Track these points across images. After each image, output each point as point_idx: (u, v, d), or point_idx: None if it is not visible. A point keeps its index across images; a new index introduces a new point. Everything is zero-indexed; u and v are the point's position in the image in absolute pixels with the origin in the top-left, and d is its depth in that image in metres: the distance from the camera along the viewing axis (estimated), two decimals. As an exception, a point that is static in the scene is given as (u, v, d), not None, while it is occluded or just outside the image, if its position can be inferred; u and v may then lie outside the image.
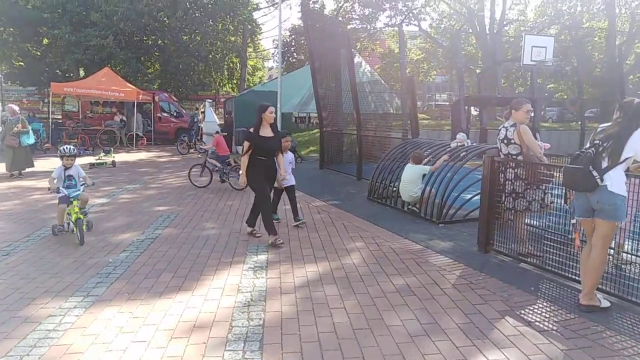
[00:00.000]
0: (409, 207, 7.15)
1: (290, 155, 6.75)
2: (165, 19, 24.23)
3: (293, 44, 38.13)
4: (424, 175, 7.01)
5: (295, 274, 4.58)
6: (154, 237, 5.84)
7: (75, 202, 5.66)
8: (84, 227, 5.63)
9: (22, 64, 24.43)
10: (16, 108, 11.44)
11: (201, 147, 11.81)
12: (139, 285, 4.24)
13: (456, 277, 4.44)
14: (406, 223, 6.64)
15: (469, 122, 18.00)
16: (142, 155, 16.04)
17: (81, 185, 6.03)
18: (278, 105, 16.43)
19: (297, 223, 6.40)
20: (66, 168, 6.06)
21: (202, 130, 17.77)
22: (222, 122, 18.87)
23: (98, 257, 5.04)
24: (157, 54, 26.09)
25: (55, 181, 5.94)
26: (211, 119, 17.97)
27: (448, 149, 7.31)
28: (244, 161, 5.66)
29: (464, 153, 7.06)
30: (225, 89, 32.05)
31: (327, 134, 12.94)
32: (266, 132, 5.71)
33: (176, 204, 7.96)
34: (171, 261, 4.94)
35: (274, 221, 5.87)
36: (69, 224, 5.78)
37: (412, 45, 44.30)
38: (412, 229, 6.28)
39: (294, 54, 38.43)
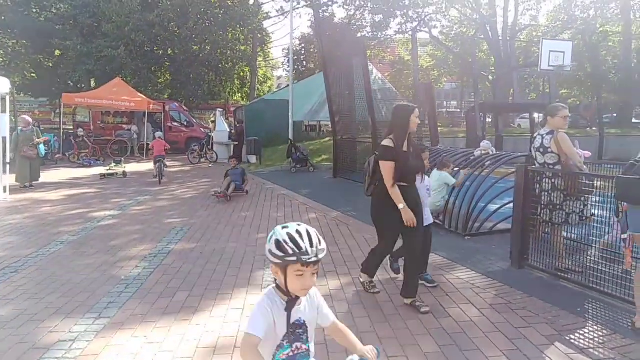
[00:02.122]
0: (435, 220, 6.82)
1: (427, 180, 4.52)
2: (176, 29, 24.25)
3: (303, 52, 38.12)
4: (447, 185, 6.69)
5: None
6: (167, 252, 5.59)
7: None
8: None
9: (34, 75, 24.58)
10: (29, 119, 11.36)
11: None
12: (153, 306, 3.98)
13: (493, 296, 4.12)
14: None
15: (484, 130, 17.65)
16: (152, 166, 15.86)
17: None
18: (289, 114, 16.27)
19: (430, 285, 4.38)
20: None
21: (212, 139, 17.61)
22: (233, 131, 18.75)
23: (109, 273, 4.79)
24: (167, 63, 26.11)
25: None
26: (222, 128, 17.83)
27: (472, 157, 7.00)
28: (397, 194, 3.80)
29: (489, 162, 6.75)
30: (235, 98, 32.02)
31: (340, 142, 12.68)
32: (405, 145, 3.92)
33: (188, 215, 7.73)
34: (186, 278, 4.68)
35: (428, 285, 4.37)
36: None
37: (422, 53, 44.05)
38: (437, 242, 5.93)
39: (304, 62, 38.40)
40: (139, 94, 18.77)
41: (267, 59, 39.90)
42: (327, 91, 12.81)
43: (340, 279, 4.64)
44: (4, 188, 9.13)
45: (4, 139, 9.32)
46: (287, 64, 39.18)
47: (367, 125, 11.51)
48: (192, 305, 4.01)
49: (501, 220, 6.36)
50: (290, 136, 15.32)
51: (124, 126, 20.10)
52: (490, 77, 29.54)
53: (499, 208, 6.43)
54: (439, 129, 26.56)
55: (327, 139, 20.77)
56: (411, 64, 36.71)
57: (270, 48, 38.97)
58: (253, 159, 16.11)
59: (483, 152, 6.99)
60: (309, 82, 23.36)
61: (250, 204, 8.78)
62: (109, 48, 21.37)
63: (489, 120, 23.31)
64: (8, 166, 9.52)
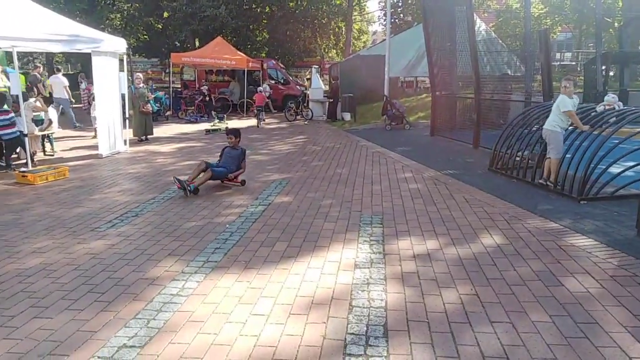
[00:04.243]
0: (542, 180, 6.29)
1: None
2: (273, -15, 24.41)
3: (400, 4, 36.37)
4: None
5: (415, 251, 4.19)
6: (267, 204, 5.80)
7: None
8: None
9: (146, 37, 26.43)
10: (142, 76, 12.32)
11: None
12: (255, 254, 4.17)
13: (614, 267, 3.71)
14: (539, 198, 5.85)
15: (606, 84, 15.67)
16: (252, 122, 16.49)
17: None
18: (385, 69, 15.76)
19: None
20: None
21: (308, 96, 17.75)
22: (328, 89, 18.69)
23: (215, 221, 5.11)
24: (265, 21, 26.52)
25: None
26: (317, 85, 17.85)
27: (593, 113, 6.24)
28: None
29: (613, 119, 5.98)
30: (330, 54, 31.80)
31: (439, 98, 12.07)
32: None
33: (286, 171, 7.93)
34: (285, 230, 4.83)
35: None
36: None
37: (533, -1, 39.82)
38: (548, 206, 5.50)
39: (401, 14, 36.69)
40: (239, 53, 19.35)
41: (363, 12, 38.77)
42: (427, 45, 12.13)
43: (439, 239, 4.48)
44: (125, 141, 10.08)
45: (123, 95, 10.19)
46: (384, 18, 37.92)
47: (468, 80, 10.77)
48: (291, 255, 4.14)
49: (626, 185, 5.68)
50: (386, 92, 14.91)
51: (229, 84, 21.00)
52: (616, 24, 25.89)
53: (622, 171, 5.74)
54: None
55: (424, 95, 19.91)
56: (519, 11, 33.33)
57: (365, 1, 37.79)
58: (347, 116, 16.02)
59: (607, 107, 6.18)
60: (406, 35, 22.29)
61: (345, 160, 8.77)
62: (211, 8, 22.16)
63: (611, 74, 20.65)
64: (127, 121, 10.46)
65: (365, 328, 2.90)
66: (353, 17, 31.33)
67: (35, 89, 13.28)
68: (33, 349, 2.70)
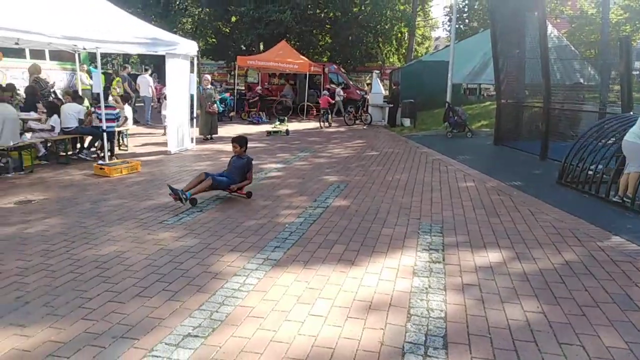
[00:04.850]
0: (618, 197, 5.89)
1: None
2: (338, -10, 24.64)
3: (466, 10, 35.48)
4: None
5: (477, 263, 4.06)
6: (326, 206, 5.85)
7: None
8: None
9: (214, 40, 27.50)
10: (210, 77, 12.85)
11: None
12: (313, 255, 4.22)
13: (700, 295, 3.42)
14: (614, 216, 5.49)
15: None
16: (311, 125, 16.70)
17: None
18: (449, 75, 15.42)
19: None
20: None
21: (367, 101, 17.71)
22: (388, 94, 18.55)
23: (275, 221, 5.22)
24: (328, 26, 26.79)
25: None
26: (377, 90, 17.78)
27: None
28: None
29: None
30: (391, 60, 31.58)
31: (504, 106, 11.63)
32: None
33: (345, 174, 7.96)
34: (343, 233, 4.85)
35: None
36: None
37: (612, 4, 37.41)
38: (625, 225, 5.15)
39: (466, 20, 35.78)
40: (302, 57, 19.67)
41: (427, 18, 38.18)
42: (493, 50, 11.75)
43: (503, 252, 4.32)
44: (192, 139, 10.54)
45: (192, 95, 10.67)
46: (448, 23, 37.14)
47: (537, 88, 10.30)
48: (349, 258, 4.15)
49: None
50: (448, 99, 14.58)
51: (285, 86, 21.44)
52: None
53: None
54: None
55: (488, 103, 19.28)
56: (594, 17, 31.41)
57: (430, 7, 37.17)
58: (407, 122, 15.82)
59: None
60: (471, 41, 21.74)
61: (404, 167, 8.66)
62: (277, 12, 22.71)
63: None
64: (195, 120, 10.94)
65: (424, 338, 2.86)
66: (416, 23, 30.94)
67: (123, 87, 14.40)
68: (107, 331, 2.89)
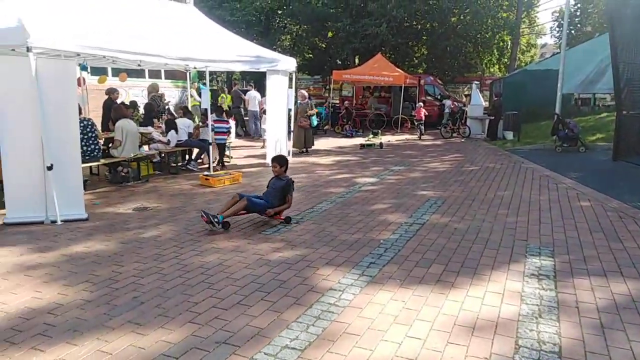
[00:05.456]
0: None
1: None
2: (435, 1, 24.15)
3: (578, 14, 32.80)
4: None
5: (596, 294, 3.64)
6: (422, 223, 5.67)
7: None
8: None
9: (311, 56, 28.39)
10: (306, 94, 13.20)
11: None
12: (410, 273, 4.09)
13: None
14: None
15: None
16: (406, 137, 16.44)
17: None
18: (558, 85, 14.28)
19: None
20: None
21: (466, 113, 17.03)
22: (489, 106, 17.66)
23: (369, 236, 5.16)
24: (425, 37, 26.35)
25: None
26: (477, 101, 17.03)
27: None
28: None
29: None
30: (492, 70, 30.14)
31: (626, 118, 10.45)
32: None
33: (442, 189, 7.67)
34: (441, 252, 4.65)
35: None
36: None
37: None
38: None
39: (578, 25, 33.04)
40: (397, 69, 19.52)
41: (532, 25, 35.89)
42: (613, 57, 10.65)
43: (628, 283, 3.83)
44: (288, 152, 10.89)
45: (289, 110, 11.05)
46: (557, 29, 34.48)
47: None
48: (448, 280, 3.95)
49: None
50: (557, 110, 13.48)
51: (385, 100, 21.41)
52: None
53: None
54: None
55: (604, 114, 17.57)
56: None
57: (536, 12, 34.90)
58: (510, 135, 14.91)
59: None
60: (585, 47, 19.90)
61: (508, 183, 8.13)
62: (373, 26, 22.84)
63: None
64: (291, 134, 11.30)
65: (535, 373, 2.61)
66: (521, 30, 29.23)
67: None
68: (211, 335, 3.02)
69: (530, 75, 19.26)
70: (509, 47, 28.37)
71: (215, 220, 5.19)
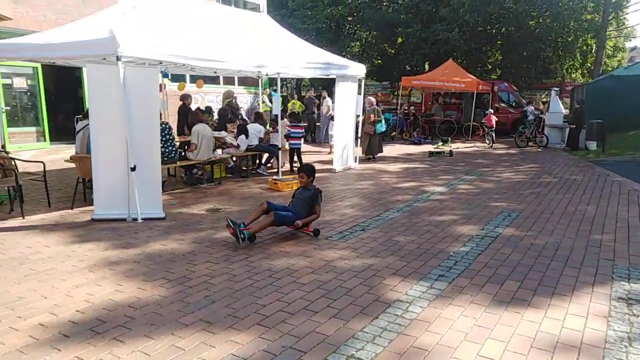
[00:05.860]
0: None
1: None
2: (511, 4, 23.12)
3: (675, 13, 29.91)
4: None
5: (698, 325, 3.27)
6: (495, 236, 5.41)
7: None
8: None
9: (380, 62, 28.22)
10: (373, 100, 13.11)
11: None
12: (482, 289, 3.90)
13: None
14: None
15: None
16: (478, 146, 15.83)
17: None
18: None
19: None
20: None
21: (544, 121, 16.09)
22: (570, 114, 16.58)
23: (438, 247, 5.00)
24: (499, 42, 25.29)
25: None
26: (556, 109, 16.03)
27: None
28: None
29: None
30: (573, 75, 28.28)
31: None
32: None
33: (516, 201, 7.28)
34: (515, 268, 4.40)
35: None
36: None
37: None
38: None
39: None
40: (469, 75, 18.88)
41: (621, 27, 33.25)
42: None
43: None
44: (355, 158, 10.88)
45: (358, 116, 11.03)
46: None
47: None
48: (524, 298, 3.73)
49: None
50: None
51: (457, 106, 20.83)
52: None
53: None
54: None
55: None
56: None
57: (626, 13, 32.29)
58: (593, 145, 13.89)
59: None
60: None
61: (591, 197, 7.56)
62: (444, 31, 22.29)
63: None
64: (359, 140, 11.27)
65: (625, 409, 2.37)
66: (607, 33, 27.19)
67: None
68: (278, 339, 3.06)
69: (618, 81, 17.89)
70: (593, 51, 26.48)
71: (242, 236, 4.88)
